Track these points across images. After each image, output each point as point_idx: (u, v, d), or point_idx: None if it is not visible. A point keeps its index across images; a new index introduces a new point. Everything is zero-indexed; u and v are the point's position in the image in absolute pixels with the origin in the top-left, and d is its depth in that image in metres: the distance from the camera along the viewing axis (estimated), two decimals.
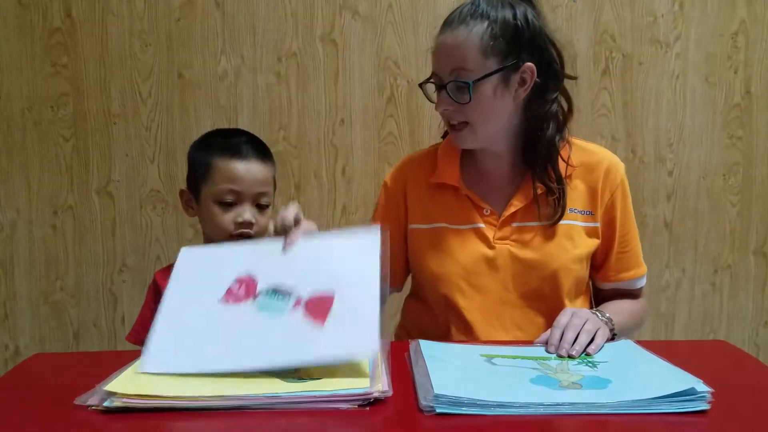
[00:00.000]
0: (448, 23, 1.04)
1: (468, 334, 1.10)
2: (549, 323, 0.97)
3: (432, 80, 1.09)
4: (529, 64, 1.03)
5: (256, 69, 1.80)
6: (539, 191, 1.09)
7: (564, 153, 1.10)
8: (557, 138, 1.09)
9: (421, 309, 1.20)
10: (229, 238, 1.10)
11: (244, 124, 1.78)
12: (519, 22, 1.02)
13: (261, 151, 1.13)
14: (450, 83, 1.03)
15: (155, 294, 1.13)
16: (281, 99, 1.82)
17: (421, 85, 1.11)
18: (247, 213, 1.09)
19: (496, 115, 1.06)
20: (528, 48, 1.03)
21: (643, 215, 1.87)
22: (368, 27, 1.80)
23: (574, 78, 1.10)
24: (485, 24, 1.01)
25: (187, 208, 1.17)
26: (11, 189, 1.82)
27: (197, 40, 1.79)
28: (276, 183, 1.18)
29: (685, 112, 1.86)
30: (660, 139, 1.86)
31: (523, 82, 1.04)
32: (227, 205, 1.09)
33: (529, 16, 1.03)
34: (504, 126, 1.09)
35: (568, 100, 1.10)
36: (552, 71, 1.06)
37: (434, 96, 1.10)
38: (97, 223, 1.84)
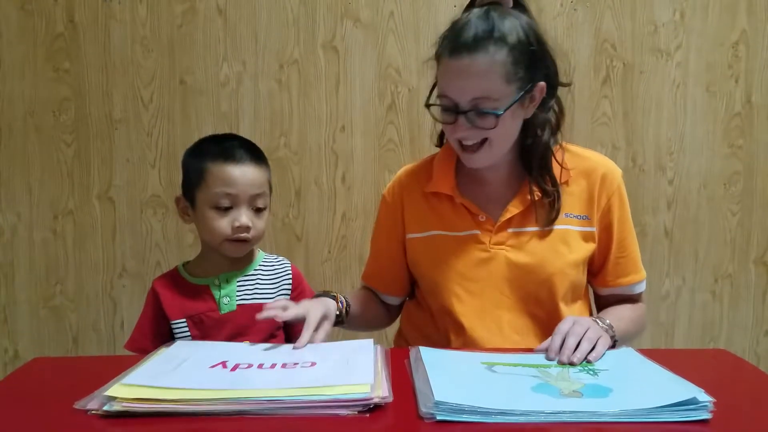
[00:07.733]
0: (465, 46, 0.98)
1: (465, 338, 1.09)
2: (546, 328, 0.96)
3: (441, 103, 1.05)
4: (541, 83, 1.04)
5: (258, 76, 1.81)
6: (536, 196, 1.10)
7: (558, 156, 1.11)
8: (552, 141, 1.10)
9: (420, 314, 1.20)
10: (226, 243, 1.10)
11: (245, 131, 1.78)
12: (533, 43, 1.01)
13: (254, 154, 1.13)
14: (471, 111, 1.01)
15: (154, 302, 1.13)
16: (282, 106, 1.82)
17: (427, 106, 1.08)
18: (243, 217, 1.08)
19: (513, 133, 1.08)
20: (540, 67, 1.04)
21: (644, 224, 1.87)
22: (369, 35, 1.81)
23: (568, 85, 1.12)
24: (505, 51, 0.98)
25: (183, 215, 1.16)
26: (12, 193, 1.82)
27: (199, 47, 1.80)
28: (272, 187, 1.18)
29: (685, 121, 1.86)
30: (660, 148, 1.87)
31: (533, 99, 1.05)
32: (223, 210, 1.09)
33: (537, 32, 1.03)
34: None
35: (559, 103, 1.12)
36: (551, 81, 1.07)
37: (443, 117, 1.06)
38: (98, 227, 1.84)
